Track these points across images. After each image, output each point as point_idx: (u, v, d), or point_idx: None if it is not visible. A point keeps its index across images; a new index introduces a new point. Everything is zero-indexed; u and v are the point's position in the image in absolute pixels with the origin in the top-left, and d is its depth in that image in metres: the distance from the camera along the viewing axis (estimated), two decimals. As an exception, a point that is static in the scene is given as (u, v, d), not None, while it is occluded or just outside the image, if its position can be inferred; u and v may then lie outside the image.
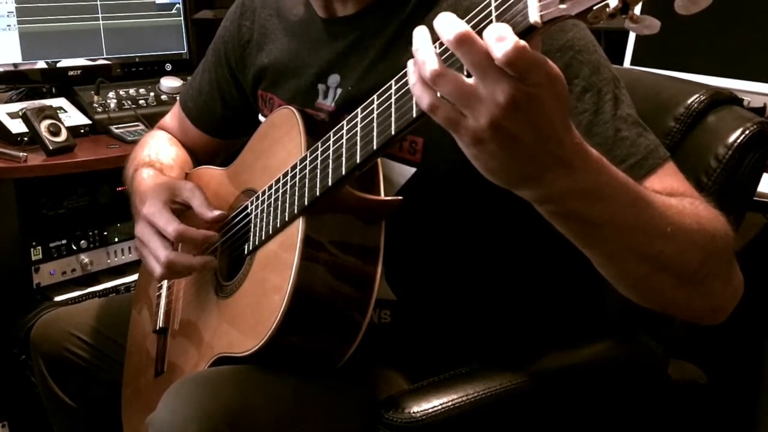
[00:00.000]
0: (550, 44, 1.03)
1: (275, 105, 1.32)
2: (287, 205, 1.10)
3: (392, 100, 0.88)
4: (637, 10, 0.68)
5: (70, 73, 2.27)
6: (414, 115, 0.84)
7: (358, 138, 0.96)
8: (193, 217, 1.27)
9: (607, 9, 0.66)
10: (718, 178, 1.17)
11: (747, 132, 1.17)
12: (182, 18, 2.48)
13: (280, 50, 1.33)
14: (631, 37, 2.23)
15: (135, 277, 2.01)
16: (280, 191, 1.12)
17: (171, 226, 1.23)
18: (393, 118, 0.88)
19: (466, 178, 0.91)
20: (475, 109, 0.74)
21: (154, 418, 1.04)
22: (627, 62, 2.23)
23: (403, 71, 0.86)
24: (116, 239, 2.16)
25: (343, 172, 0.99)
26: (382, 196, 1.09)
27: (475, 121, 0.74)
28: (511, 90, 0.71)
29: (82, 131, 2.12)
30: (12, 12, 2.15)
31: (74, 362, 1.50)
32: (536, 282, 1.26)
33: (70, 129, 2.02)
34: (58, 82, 2.27)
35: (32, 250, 2.00)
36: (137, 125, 2.20)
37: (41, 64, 2.22)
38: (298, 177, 1.09)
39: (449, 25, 0.72)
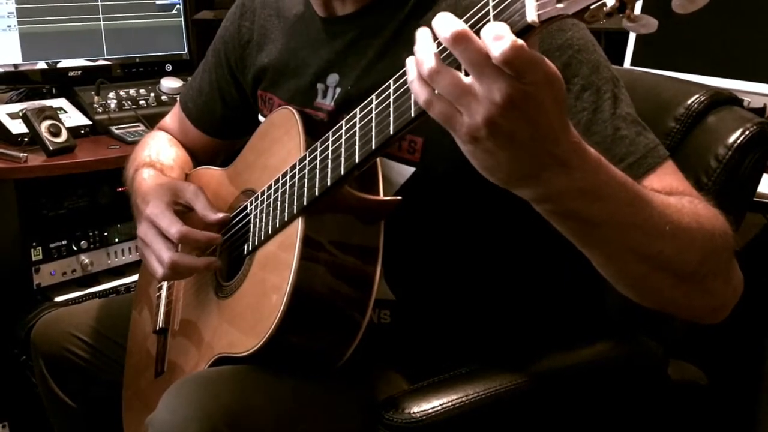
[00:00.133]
0: (550, 43, 1.03)
1: (275, 105, 1.32)
2: (286, 205, 1.10)
3: (391, 99, 0.88)
4: (637, 9, 0.68)
5: (71, 73, 2.27)
6: (412, 115, 0.84)
7: (357, 138, 0.96)
8: (194, 218, 1.27)
9: (605, 8, 0.66)
10: (718, 178, 1.17)
11: (747, 132, 1.17)
12: (182, 18, 2.48)
13: (279, 50, 1.33)
14: (632, 38, 2.23)
15: (135, 277, 2.01)
16: (279, 191, 1.12)
17: (174, 227, 1.23)
18: (391, 118, 0.88)
19: (466, 177, 0.91)
20: (471, 107, 0.74)
21: (154, 418, 1.04)
22: (627, 62, 2.23)
23: (402, 71, 0.87)
24: (116, 240, 2.16)
25: (342, 172, 0.99)
26: (382, 196, 1.09)
27: (470, 119, 0.74)
28: (507, 88, 0.71)
29: (83, 132, 2.12)
30: (12, 12, 2.15)
31: (74, 362, 1.50)
32: (536, 282, 1.26)
33: (70, 129, 2.02)
34: (58, 82, 2.27)
35: (32, 250, 2.00)
36: (137, 126, 2.20)
37: (41, 65, 2.22)
38: (297, 177, 1.09)
39: (446, 23, 0.73)
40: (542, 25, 0.71)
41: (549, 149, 0.77)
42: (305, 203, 1.06)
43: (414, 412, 1.07)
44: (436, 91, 0.76)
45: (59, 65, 2.25)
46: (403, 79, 0.86)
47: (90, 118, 2.17)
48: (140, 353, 1.44)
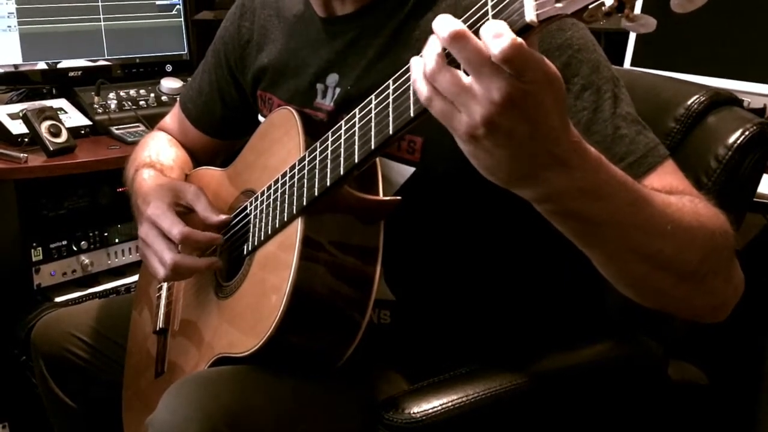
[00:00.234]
0: (549, 43, 1.03)
1: (274, 105, 1.32)
2: (286, 205, 1.10)
3: (390, 99, 0.88)
4: (636, 9, 0.68)
5: (71, 74, 2.27)
6: (412, 115, 0.84)
7: (357, 138, 0.97)
8: (194, 219, 1.27)
9: (603, 8, 0.66)
10: (718, 178, 1.17)
11: (747, 133, 1.17)
12: (182, 19, 2.48)
13: (279, 50, 1.33)
14: (632, 38, 2.23)
15: (135, 278, 2.01)
16: (279, 192, 1.12)
17: (176, 228, 1.23)
18: (391, 118, 0.88)
19: (466, 177, 0.91)
20: (470, 106, 0.74)
21: (154, 418, 1.04)
22: (627, 63, 2.23)
23: (401, 71, 0.87)
24: (117, 240, 2.16)
25: (342, 172, 0.99)
26: (381, 196, 1.09)
27: (469, 118, 0.75)
28: (506, 87, 0.72)
29: (83, 132, 2.12)
30: (12, 13, 2.15)
31: (75, 363, 1.50)
32: (536, 282, 1.26)
33: (70, 130, 2.02)
34: (58, 83, 2.27)
35: (33, 251, 2.00)
36: (138, 126, 2.20)
37: (42, 65, 2.22)
38: (296, 177, 1.09)
39: (444, 24, 0.73)
40: (541, 25, 0.71)
41: (549, 149, 0.77)
42: (305, 203, 1.06)
43: (414, 413, 1.07)
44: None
45: (59, 66, 2.25)
46: (403, 78, 0.86)
47: (90, 119, 2.17)
48: (140, 353, 1.44)
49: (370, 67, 1.18)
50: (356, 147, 0.97)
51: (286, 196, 1.10)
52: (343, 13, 1.22)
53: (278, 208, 1.12)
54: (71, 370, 1.51)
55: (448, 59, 0.76)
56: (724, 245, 0.94)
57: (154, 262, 1.26)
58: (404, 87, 0.86)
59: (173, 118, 1.62)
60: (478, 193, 1.03)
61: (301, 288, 1.04)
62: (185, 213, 1.29)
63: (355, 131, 0.97)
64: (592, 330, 1.25)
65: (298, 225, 1.06)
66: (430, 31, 0.75)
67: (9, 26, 2.15)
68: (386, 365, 1.23)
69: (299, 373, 1.11)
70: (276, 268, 1.10)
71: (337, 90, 1.22)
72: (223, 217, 1.25)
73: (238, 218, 1.24)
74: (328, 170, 1.02)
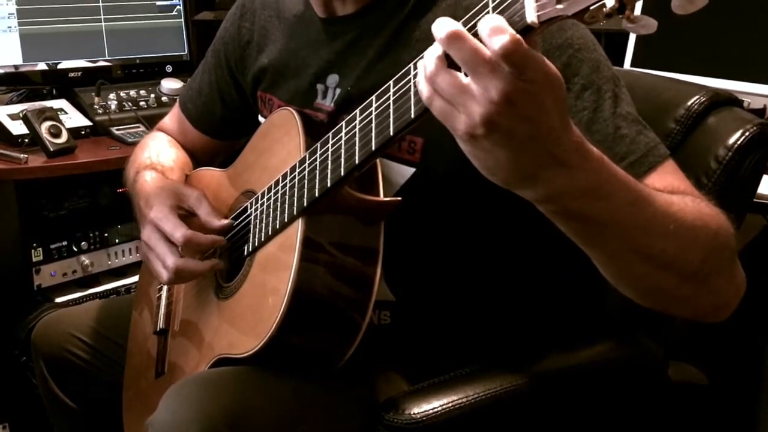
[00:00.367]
0: (550, 43, 1.03)
1: (274, 106, 1.32)
2: (286, 206, 1.10)
3: (391, 100, 0.88)
4: (637, 10, 0.68)
5: (71, 74, 2.27)
6: (412, 116, 0.84)
7: (357, 139, 0.97)
8: (197, 222, 1.27)
9: (604, 9, 0.66)
10: (718, 179, 1.17)
11: (747, 133, 1.17)
12: (182, 19, 2.48)
13: (279, 51, 1.33)
14: (632, 39, 2.23)
15: (135, 278, 2.01)
16: (279, 192, 1.12)
17: (179, 231, 1.23)
18: (391, 119, 0.88)
19: (466, 178, 0.91)
20: (469, 105, 0.74)
21: (154, 419, 1.04)
22: (627, 64, 2.23)
23: (402, 72, 0.87)
24: (117, 241, 2.16)
25: (342, 173, 0.99)
26: (381, 197, 1.09)
27: (468, 117, 0.75)
28: (504, 86, 0.72)
29: (83, 133, 2.12)
30: (12, 14, 2.15)
31: (75, 363, 1.50)
32: (536, 282, 1.26)
33: (70, 130, 2.02)
34: (58, 83, 2.27)
35: (33, 251, 2.00)
36: (138, 127, 2.20)
37: (42, 66, 2.22)
38: (297, 178, 1.09)
39: (442, 25, 0.74)
40: (542, 26, 0.71)
41: (549, 149, 0.77)
42: (305, 204, 1.06)
43: (414, 413, 1.07)
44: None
45: (59, 66, 2.25)
46: (405, 80, 0.86)
47: (90, 119, 2.17)
48: (141, 354, 1.44)
49: (370, 67, 1.18)
50: (357, 148, 0.97)
51: (287, 197, 1.10)
52: (343, 14, 1.22)
53: (278, 209, 1.12)
54: (71, 371, 1.51)
55: (449, 61, 0.76)
56: (726, 245, 0.94)
57: (157, 266, 1.26)
58: (405, 88, 0.86)
59: (173, 118, 1.62)
60: (479, 194, 1.03)
61: (301, 289, 1.04)
62: (187, 216, 1.29)
63: (355, 132, 0.97)
64: (592, 330, 1.25)
65: (298, 226, 1.06)
66: (430, 32, 0.76)
67: (9, 27, 2.15)
68: (386, 366, 1.23)
69: (299, 374, 1.11)
70: (276, 269, 1.10)
71: (338, 90, 1.22)
72: (225, 221, 1.25)
73: (239, 219, 1.24)
74: (329, 171, 1.02)
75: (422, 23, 1.14)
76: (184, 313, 1.35)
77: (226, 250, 1.28)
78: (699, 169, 1.17)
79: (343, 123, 1.00)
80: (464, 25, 0.76)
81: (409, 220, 1.12)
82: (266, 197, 1.16)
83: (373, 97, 0.93)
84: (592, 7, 0.67)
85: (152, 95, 2.33)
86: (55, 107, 2.09)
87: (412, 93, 0.84)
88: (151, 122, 2.09)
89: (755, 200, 1.27)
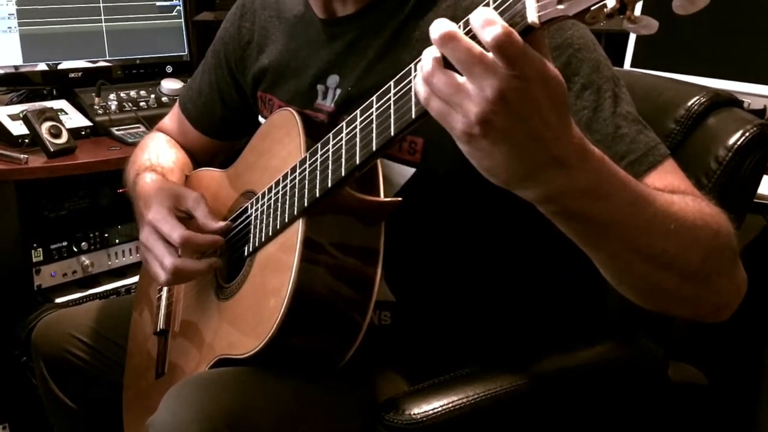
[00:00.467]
0: (550, 42, 1.03)
1: (275, 106, 1.32)
2: (287, 206, 1.10)
3: (391, 101, 0.88)
4: (637, 11, 0.68)
5: (71, 75, 2.27)
6: (413, 116, 0.84)
7: (358, 139, 0.96)
8: (195, 224, 1.27)
9: (605, 9, 0.66)
10: (718, 179, 1.17)
11: (747, 134, 1.17)
12: (183, 20, 2.49)
13: (279, 51, 1.33)
14: (632, 39, 2.23)
15: (136, 278, 2.01)
16: (280, 193, 1.12)
17: (176, 232, 1.23)
18: (392, 119, 0.88)
19: (466, 178, 0.91)
20: (464, 105, 0.74)
21: (154, 419, 1.04)
22: (627, 64, 2.23)
23: (403, 72, 0.87)
24: (117, 241, 2.16)
25: (343, 174, 0.99)
26: (382, 197, 1.09)
27: (464, 117, 0.75)
28: (498, 84, 0.72)
29: (83, 133, 2.13)
30: (13, 14, 2.15)
31: (75, 364, 1.50)
32: (536, 283, 1.26)
33: (70, 131, 2.02)
34: (58, 84, 2.27)
35: (33, 251, 2.00)
36: (138, 127, 2.20)
37: (42, 66, 2.22)
38: (297, 179, 1.09)
39: (436, 26, 0.74)
40: (543, 26, 0.71)
41: (548, 149, 0.77)
42: (306, 205, 1.06)
43: (414, 414, 1.07)
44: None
45: (60, 67, 2.25)
46: (405, 80, 0.86)
47: (90, 120, 2.18)
48: (141, 354, 1.44)
49: (370, 68, 1.18)
50: (357, 148, 0.97)
51: (287, 197, 1.10)
52: (344, 14, 1.22)
53: (279, 209, 1.12)
54: (71, 371, 1.51)
55: (446, 62, 0.76)
56: (726, 245, 0.94)
57: (155, 267, 1.26)
58: (406, 88, 0.86)
59: (172, 118, 1.62)
60: (479, 194, 1.03)
61: (301, 289, 1.04)
62: (186, 218, 1.29)
63: (356, 132, 0.97)
64: (592, 331, 1.26)
65: (298, 226, 1.06)
66: None
67: (9, 27, 2.15)
68: (387, 366, 1.23)
69: (300, 375, 1.11)
70: (277, 269, 1.10)
71: (338, 91, 1.22)
72: (221, 223, 1.25)
73: (239, 220, 1.24)
74: (329, 171, 1.02)
75: (422, 23, 1.14)
76: (184, 313, 1.35)
77: (226, 250, 1.28)
78: (699, 169, 1.17)
79: (344, 123, 1.00)
80: (464, 26, 0.76)
81: (409, 221, 1.12)
82: (266, 198, 1.16)
83: (374, 98, 0.93)
84: (593, 8, 0.67)
85: (152, 96, 2.33)
86: (55, 107, 2.09)
87: (413, 93, 0.84)
88: (152, 122, 2.09)
89: (755, 201, 1.27)
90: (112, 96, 2.25)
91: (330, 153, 1.03)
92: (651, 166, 1.01)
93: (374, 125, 0.92)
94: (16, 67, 2.18)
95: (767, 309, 1.76)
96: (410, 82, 0.85)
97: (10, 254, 2.01)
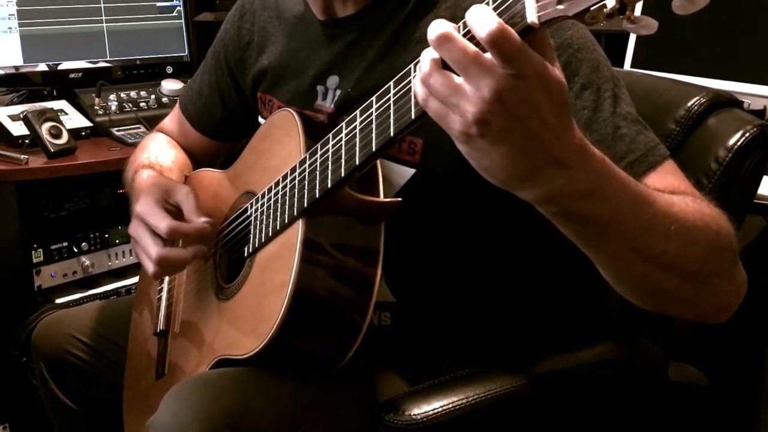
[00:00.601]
0: (549, 42, 1.03)
1: (274, 107, 1.32)
2: (286, 207, 1.10)
3: (391, 101, 0.88)
4: (637, 11, 0.68)
5: (71, 75, 2.27)
6: (413, 117, 0.84)
7: (357, 140, 0.96)
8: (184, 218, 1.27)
9: (605, 9, 0.66)
10: (718, 180, 1.17)
11: (747, 134, 1.17)
12: (183, 20, 2.49)
13: (279, 52, 1.33)
14: (632, 40, 2.23)
15: (136, 279, 2.01)
16: (280, 193, 1.12)
17: (163, 222, 1.23)
18: (392, 120, 0.88)
19: (466, 179, 0.91)
20: (462, 105, 0.75)
21: (154, 420, 1.04)
22: (627, 65, 2.23)
23: (402, 73, 0.87)
24: (117, 241, 2.16)
25: (343, 174, 0.99)
26: (382, 198, 1.09)
27: (462, 117, 0.75)
28: (494, 84, 0.72)
29: (83, 134, 2.13)
30: (13, 14, 2.15)
31: (75, 364, 1.50)
32: (536, 283, 1.26)
33: (71, 131, 2.02)
34: (59, 84, 2.27)
35: (33, 252, 2.00)
36: (138, 127, 2.20)
37: (42, 67, 2.22)
38: (297, 179, 1.09)
39: (433, 27, 0.74)
40: (542, 27, 0.71)
41: (546, 149, 0.77)
42: (305, 205, 1.06)
43: (414, 414, 1.07)
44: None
45: (60, 67, 2.25)
46: (405, 81, 0.86)
47: (91, 120, 2.18)
48: (141, 355, 1.44)
49: (370, 69, 1.18)
50: (357, 149, 0.97)
51: (287, 197, 1.10)
52: (343, 15, 1.22)
53: (279, 209, 1.12)
54: (72, 372, 1.51)
55: (444, 63, 0.76)
56: (726, 245, 0.94)
57: (143, 258, 1.26)
58: (405, 89, 0.86)
59: (173, 119, 1.62)
60: (479, 195, 1.03)
61: (302, 290, 1.04)
62: (176, 212, 1.29)
63: (356, 133, 0.97)
64: (592, 331, 1.25)
65: (298, 227, 1.06)
66: None
67: (10, 28, 2.15)
68: (387, 367, 1.23)
69: (300, 375, 1.11)
70: (277, 270, 1.10)
71: (338, 92, 1.22)
72: (204, 219, 1.24)
73: (239, 220, 1.24)
74: (329, 172, 1.02)
75: (422, 24, 1.14)
76: (184, 314, 1.35)
77: (226, 250, 1.29)
78: (699, 170, 1.17)
79: (344, 124, 1.00)
80: (463, 26, 0.76)
81: (409, 222, 1.12)
82: (266, 198, 1.16)
83: (374, 98, 0.93)
84: (592, 8, 0.67)
85: (152, 96, 2.33)
86: (55, 108, 2.09)
87: (412, 94, 0.84)
88: (152, 123, 2.09)
89: (755, 201, 1.27)
90: (112, 96, 2.25)
91: (330, 153, 1.03)
92: (650, 166, 1.01)
93: (374, 126, 0.92)
94: (16, 68, 2.18)
95: (767, 309, 1.76)
96: (410, 82, 0.85)
97: (11, 255, 2.01)
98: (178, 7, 2.47)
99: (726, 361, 1.79)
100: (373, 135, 0.93)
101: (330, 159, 1.02)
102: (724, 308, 0.97)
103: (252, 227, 1.20)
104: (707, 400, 1.38)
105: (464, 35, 0.75)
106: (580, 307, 1.29)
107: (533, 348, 1.20)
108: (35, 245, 2.01)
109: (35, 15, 2.19)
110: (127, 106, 2.26)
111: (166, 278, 1.44)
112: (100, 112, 2.20)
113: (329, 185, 1.02)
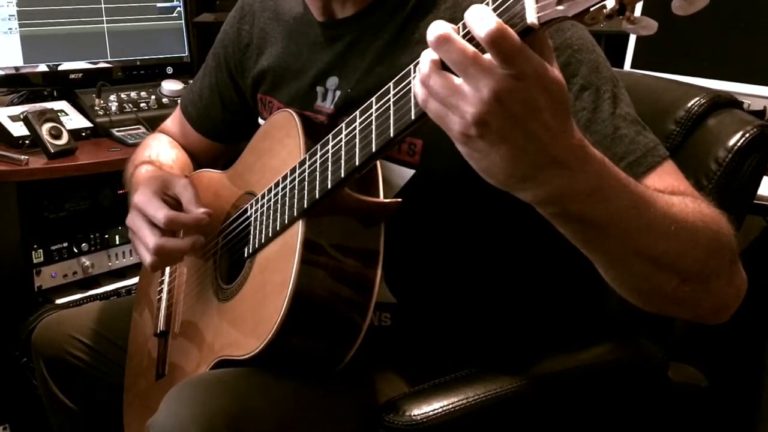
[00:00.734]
0: (548, 43, 1.03)
1: (274, 108, 1.32)
2: (286, 207, 1.10)
3: (391, 102, 0.88)
4: (637, 11, 0.68)
5: (72, 76, 2.27)
6: (413, 117, 0.84)
7: (357, 140, 0.97)
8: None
9: (604, 10, 0.66)
10: (718, 181, 1.17)
11: (747, 135, 1.17)
12: (183, 21, 2.49)
13: (279, 53, 1.33)
14: (632, 40, 2.23)
15: (136, 279, 2.01)
16: (280, 194, 1.12)
17: (161, 212, 1.23)
18: (391, 120, 0.88)
19: (465, 180, 0.91)
20: (461, 106, 0.75)
21: (154, 420, 1.04)
22: (627, 65, 2.23)
23: (402, 73, 0.87)
24: (117, 242, 2.16)
25: (342, 175, 0.99)
26: (382, 198, 1.10)
27: (461, 118, 0.75)
28: (493, 84, 0.72)
29: (84, 134, 2.13)
30: (13, 15, 2.15)
31: (75, 365, 1.50)
32: (536, 284, 1.26)
33: (71, 132, 2.02)
34: (59, 85, 2.27)
35: (33, 252, 2.00)
36: (138, 128, 2.20)
37: (42, 67, 2.22)
38: (297, 180, 1.09)
39: (432, 28, 0.74)
40: (542, 27, 0.71)
41: (546, 149, 0.77)
42: (305, 206, 1.06)
43: (414, 415, 1.07)
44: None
45: (60, 68, 2.25)
46: (404, 82, 0.86)
47: (91, 121, 2.18)
48: (141, 355, 1.44)
49: (369, 70, 1.18)
50: (357, 149, 0.97)
51: (287, 198, 1.10)
52: (343, 16, 1.22)
53: (279, 210, 1.12)
54: (72, 372, 1.50)
55: (444, 64, 0.76)
56: (726, 246, 0.94)
57: (141, 249, 1.26)
58: (405, 90, 0.86)
59: (174, 121, 1.63)
60: (478, 196, 1.03)
61: (302, 291, 1.04)
62: (175, 204, 1.29)
63: (355, 134, 0.97)
64: (592, 332, 1.25)
65: (298, 227, 1.06)
66: None
67: (10, 28, 2.16)
68: (387, 367, 1.23)
69: (300, 376, 1.11)
70: (277, 270, 1.10)
71: (337, 93, 1.22)
72: (203, 209, 1.24)
73: (239, 221, 1.24)
74: (329, 173, 1.02)
75: (421, 25, 1.14)
76: (184, 314, 1.35)
77: (226, 251, 1.29)
78: (699, 170, 1.17)
79: (343, 125, 1.00)
80: (462, 27, 0.76)
81: (409, 222, 1.12)
82: (266, 199, 1.16)
83: (374, 99, 0.93)
84: (592, 9, 0.67)
85: (153, 97, 2.33)
86: (55, 109, 2.09)
87: (412, 95, 0.84)
88: (152, 124, 2.09)
89: (755, 202, 1.27)
90: (112, 97, 2.25)
91: (329, 154, 1.03)
92: (650, 167, 1.01)
93: (373, 126, 0.92)
94: (16, 68, 2.18)
95: (767, 310, 1.76)
96: (409, 83, 0.85)
97: (11, 255, 2.01)
98: (179, 8, 2.47)
99: (726, 362, 1.78)
100: (373, 136, 0.93)
101: (330, 160, 1.02)
102: (723, 308, 0.97)
103: (252, 228, 1.20)
104: (707, 401, 1.38)
105: (463, 36, 0.75)
106: (580, 308, 1.29)
107: (533, 348, 1.20)
108: (35, 246, 2.00)
109: (35, 15, 2.19)
110: (127, 107, 2.26)
111: (167, 279, 1.44)
112: (101, 113, 2.20)
113: (329, 186, 1.02)
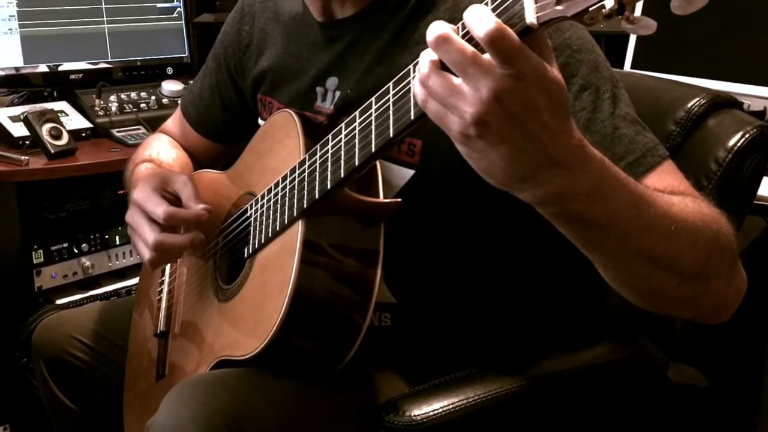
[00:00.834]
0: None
1: (274, 108, 1.32)
2: (286, 208, 1.10)
3: (390, 102, 0.88)
4: (636, 11, 0.68)
5: (72, 76, 2.27)
6: (412, 117, 0.85)
7: (357, 140, 0.97)
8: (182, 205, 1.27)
9: (604, 10, 0.66)
10: (718, 181, 1.17)
11: (747, 135, 1.17)
12: (183, 21, 2.49)
13: (279, 54, 1.33)
14: (632, 41, 2.23)
15: (136, 280, 2.01)
16: (279, 194, 1.12)
17: (160, 208, 1.23)
18: (391, 120, 0.88)
19: (465, 180, 0.91)
20: (460, 106, 0.75)
21: (154, 421, 1.04)
22: (627, 66, 2.23)
23: (402, 74, 0.87)
24: (117, 242, 2.16)
25: (342, 175, 0.99)
26: (381, 199, 1.10)
27: (461, 118, 0.75)
28: (492, 84, 0.72)
29: (84, 135, 2.13)
30: (14, 16, 2.16)
31: (75, 365, 1.50)
32: (536, 284, 1.26)
33: (71, 132, 2.02)
34: (59, 85, 2.27)
35: (34, 253, 2.00)
36: (139, 129, 2.20)
37: (43, 68, 2.22)
38: (297, 180, 1.09)
39: (431, 29, 0.74)
40: (541, 27, 0.71)
41: (545, 149, 0.77)
42: (305, 206, 1.06)
43: (414, 415, 1.07)
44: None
45: (60, 68, 2.25)
46: (404, 82, 0.87)
47: (91, 121, 2.18)
48: (141, 356, 1.44)
49: (369, 70, 1.18)
50: (357, 150, 0.97)
51: (287, 198, 1.10)
52: (342, 16, 1.22)
53: (278, 210, 1.12)
54: (72, 372, 1.50)
55: (443, 64, 0.76)
56: (726, 246, 0.94)
57: (140, 245, 1.26)
58: (405, 90, 0.86)
59: (175, 121, 1.63)
60: (478, 196, 1.03)
61: (302, 291, 1.04)
62: (174, 201, 1.28)
63: (355, 134, 0.97)
64: (592, 332, 1.25)
65: (298, 228, 1.06)
66: None
67: (10, 29, 2.16)
68: (387, 367, 1.23)
69: (300, 376, 1.11)
70: (277, 270, 1.10)
71: (337, 93, 1.22)
72: (203, 205, 1.24)
73: (239, 221, 1.25)
74: (329, 173, 1.02)
75: (421, 26, 1.14)
76: (184, 314, 1.35)
77: (226, 251, 1.29)
78: (699, 171, 1.17)
79: (343, 125, 1.00)
80: (462, 27, 0.76)
81: (409, 223, 1.12)
82: (266, 199, 1.17)
83: (373, 99, 0.93)
84: (591, 9, 0.67)
85: (153, 97, 2.33)
86: (55, 109, 2.09)
87: (411, 95, 0.84)
88: (152, 124, 2.09)
89: (755, 202, 1.27)
90: (112, 97, 2.25)
91: (329, 154, 1.03)
92: (650, 167, 1.01)
93: (373, 126, 0.93)
94: (16, 69, 2.18)
95: (767, 310, 1.76)
96: (409, 83, 0.85)
97: (11, 256, 2.01)
98: (179, 8, 2.47)
99: (726, 362, 1.78)
100: (373, 136, 0.93)
101: (329, 160, 1.02)
102: (723, 308, 0.97)
103: (252, 228, 1.20)
104: (707, 401, 1.38)
105: (463, 36, 0.75)
106: (580, 308, 1.29)
107: (533, 349, 1.20)
108: (35, 246, 2.01)
109: (36, 16, 2.19)
110: (127, 107, 2.26)
111: (167, 279, 1.44)
112: (101, 113, 2.20)
113: (329, 186, 1.02)
